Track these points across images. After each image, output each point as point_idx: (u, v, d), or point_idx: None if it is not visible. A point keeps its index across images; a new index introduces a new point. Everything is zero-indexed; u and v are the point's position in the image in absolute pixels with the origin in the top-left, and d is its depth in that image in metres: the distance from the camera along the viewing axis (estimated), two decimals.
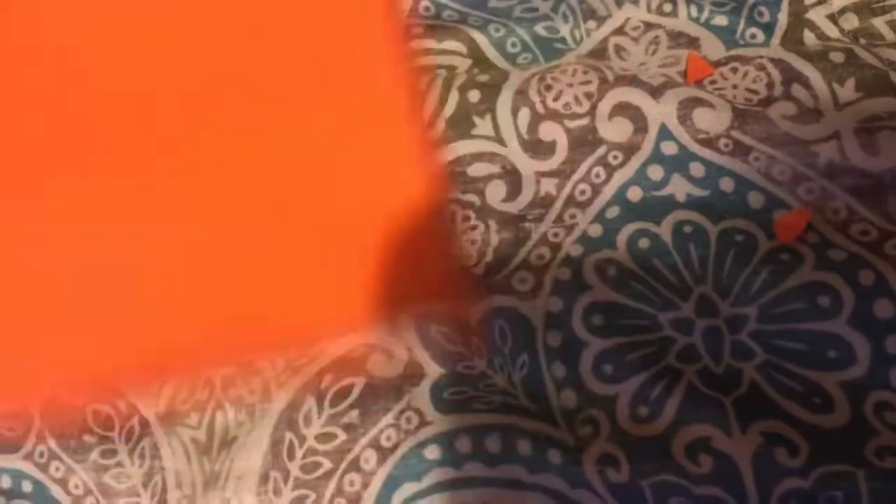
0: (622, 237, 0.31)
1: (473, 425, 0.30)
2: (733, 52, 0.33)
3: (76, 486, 0.32)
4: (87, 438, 0.32)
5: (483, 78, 0.35)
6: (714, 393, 0.28)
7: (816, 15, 0.33)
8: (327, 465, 0.30)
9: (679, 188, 0.31)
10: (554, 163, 0.33)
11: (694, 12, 0.35)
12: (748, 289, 0.29)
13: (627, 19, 0.35)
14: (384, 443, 0.30)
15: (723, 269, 0.30)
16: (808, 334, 0.28)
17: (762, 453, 0.27)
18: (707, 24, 0.34)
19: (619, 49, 0.34)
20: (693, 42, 0.34)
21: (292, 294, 0.31)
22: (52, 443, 0.33)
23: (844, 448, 0.26)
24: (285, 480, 0.30)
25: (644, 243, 0.31)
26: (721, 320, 0.29)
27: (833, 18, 0.33)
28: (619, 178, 0.31)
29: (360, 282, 0.31)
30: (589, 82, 0.33)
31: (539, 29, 0.36)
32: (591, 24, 0.36)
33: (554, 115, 0.33)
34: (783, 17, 0.34)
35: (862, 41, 0.32)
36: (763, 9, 0.34)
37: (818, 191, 0.30)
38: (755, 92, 0.32)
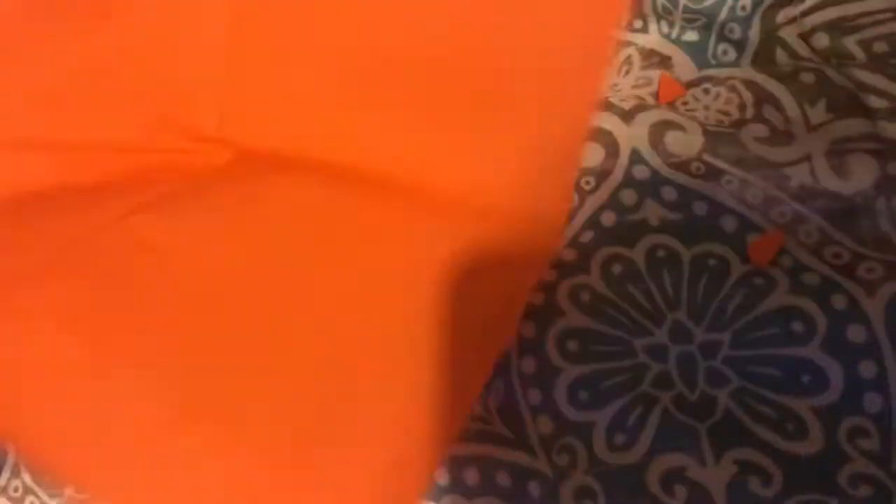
0: (595, 262, 0.31)
1: (451, 456, 0.30)
2: (705, 73, 0.33)
3: None
4: None
5: None
6: (689, 420, 0.28)
7: (788, 33, 0.33)
8: None
9: (652, 212, 0.31)
10: None
11: (665, 28, 0.35)
12: (722, 314, 0.29)
13: None
14: None
15: (696, 295, 0.30)
16: (781, 360, 0.28)
17: (736, 483, 0.27)
18: (678, 41, 0.34)
19: None
20: (665, 61, 0.34)
21: None
22: None
23: (818, 476, 0.26)
24: None
25: (617, 268, 0.31)
26: (695, 346, 0.29)
27: (804, 37, 0.33)
28: (592, 203, 0.31)
29: None
30: None
31: None
32: None
33: None
34: (754, 35, 0.34)
35: (833, 60, 0.32)
36: (734, 25, 0.34)
37: (791, 214, 0.30)
38: (727, 114, 0.32)
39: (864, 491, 0.26)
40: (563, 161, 0.32)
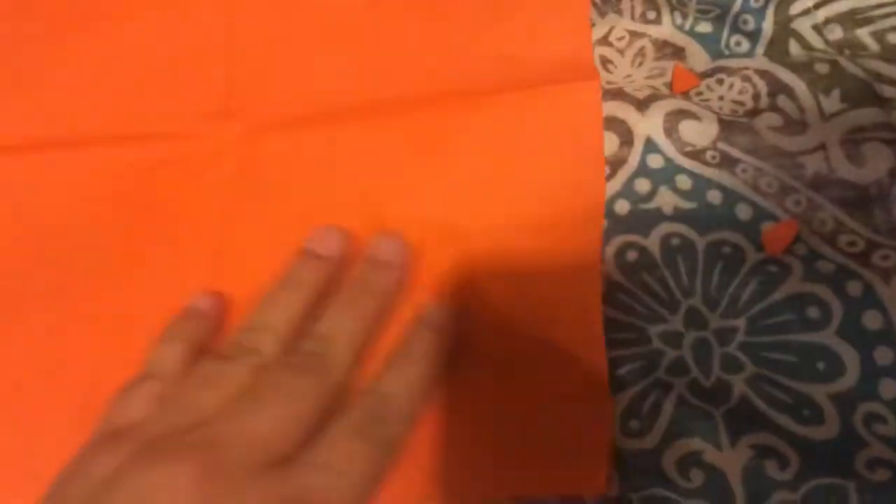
0: (610, 250, 0.31)
1: None
2: (719, 63, 0.33)
3: None
4: None
5: None
6: (704, 405, 0.28)
7: (801, 25, 0.33)
8: None
9: (666, 201, 0.31)
10: None
11: (678, 19, 0.35)
12: (737, 301, 0.29)
13: (612, 28, 0.35)
14: None
15: (711, 282, 0.30)
16: (797, 346, 0.28)
17: (752, 466, 0.27)
18: (691, 32, 0.35)
19: (605, 61, 0.34)
20: (678, 52, 0.34)
21: None
22: None
23: (835, 461, 0.26)
24: None
25: (632, 256, 0.31)
26: (710, 332, 0.29)
27: (818, 29, 0.33)
28: (607, 191, 0.31)
29: None
30: None
31: None
32: None
33: None
34: (768, 26, 0.34)
35: (846, 52, 0.32)
36: (748, 17, 0.34)
37: (805, 202, 0.30)
38: (741, 103, 0.32)
39: (881, 475, 0.26)
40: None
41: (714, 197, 0.31)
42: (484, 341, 0.31)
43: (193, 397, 0.25)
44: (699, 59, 0.34)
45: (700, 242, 0.30)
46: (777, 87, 0.32)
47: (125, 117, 0.38)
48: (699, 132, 0.31)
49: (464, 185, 0.33)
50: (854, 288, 0.28)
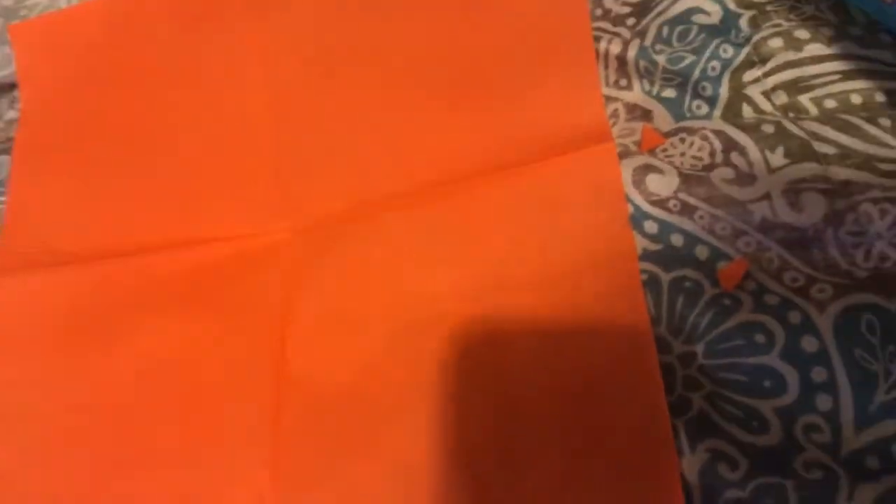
0: None
1: None
2: (681, 125, 0.38)
3: None
4: None
5: None
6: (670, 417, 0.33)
7: (752, 91, 0.38)
8: None
9: (637, 243, 0.36)
10: None
11: (647, 86, 0.40)
12: (696, 329, 0.34)
13: None
14: None
15: (674, 313, 0.34)
16: (747, 367, 0.32)
17: (707, 468, 0.31)
18: (658, 97, 0.40)
19: None
20: (647, 114, 0.39)
21: None
22: None
23: (777, 463, 0.31)
24: None
25: None
26: (674, 356, 0.34)
27: (766, 95, 0.38)
28: None
29: None
30: None
31: None
32: None
33: None
34: (724, 92, 0.39)
35: (790, 115, 0.37)
36: (706, 84, 0.39)
37: (755, 244, 0.34)
38: (699, 159, 0.37)
39: (815, 474, 0.30)
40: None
41: (677, 240, 0.35)
42: (529, 396, 0.34)
43: None
44: (664, 120, 0.39)
45: (665, 278, 0.35)
46: (730, 145, 0.37)
47: (185, 224, 0.42)
48: (663, 184, 0.36)
49: (503, 251, 0.37)
50: (794, 317, 0.33)
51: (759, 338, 0.33)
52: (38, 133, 0.47)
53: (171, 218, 0.42)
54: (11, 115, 0.51)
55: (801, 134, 0.36)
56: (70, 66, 0.48)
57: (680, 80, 0.39)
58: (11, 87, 0.52)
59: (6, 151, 0.50)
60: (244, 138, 0.43)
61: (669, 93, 0.39)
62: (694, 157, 0.37)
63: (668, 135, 0.38)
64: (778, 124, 0.36)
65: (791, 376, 0.32)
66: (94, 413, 0.38)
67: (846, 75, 0.37)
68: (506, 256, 0.37)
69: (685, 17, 0.41)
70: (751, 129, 0.37)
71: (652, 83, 0.40)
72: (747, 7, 0.40)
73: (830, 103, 0.37)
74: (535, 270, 0.36)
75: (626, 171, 0.37)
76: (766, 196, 0.35)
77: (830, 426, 0.31)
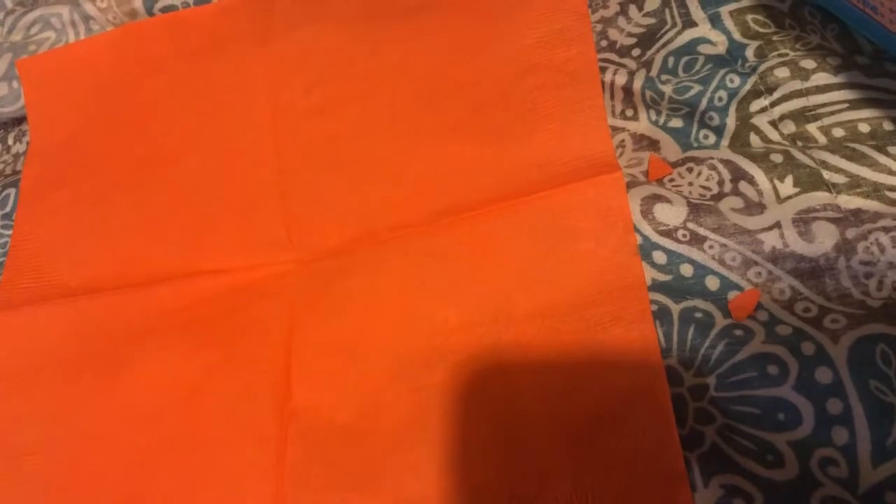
0: None
1: None
2: (689, 154, 0.38)
3: None
4: None
5: None
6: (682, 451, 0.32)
7: (759, 121, 0.38)
8: None
9: (645, 274, 0.35)
10: None
11: (653, 116, 0.40)
12: (707, 361, 0.33)
13: None
14: None
15: (685, 344, 0.34)
16: (760, 400, 0.32)
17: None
18: (665, 127, 0.40)
19: None
20: (654, 144, 0.39)
21: None
22: None
23: (793, 499, 0.30)
24: None
25: None
26: (685, 389, 0.33)
27: (774, 124, 0.38)
28: None
29: None
30: None
31: None
32: None
33: None
34: (731, 122, 0.39)
35: (798, 143, 0.37)
36: (713, 114, 0.39)
37: (765, 274, 0.34)
38: (708, 188, 0.37)
39: None
40: None
41: (686, 270, 0.35)
42: (537, 430, 0.34)
43: None
44: (672, 150, 0.39)
45: (675, 309, 0.35)
46: (739, 175, 0.36)
47: (189, 256, 0.42)
48: (671, 214, 0.36)
49: (510, 282, 0.36)
50: (808, 348, 0.32)
51: (772, 369, 0.32)
52: (45, 166, 0.48)
53: (176, 250, 0.42)
54: (18, 148, 0.52)
55: (811, 163, 0.36)
56: (77, 101, 0.49)
57: (687, 109, 0.39)
58: (20, 120, 0.53)
59: (13, 185, 0.50)
60: (249, 169, 0.43)
61: (676, 123, 0.39)
62: (702, 187, 0.36)
63: (675, 164, 0.38)
64: (786, 153, 0.36)
65: (805, 409, 0.31)
66: (98, 447, 0.38)
67: (853, 104, 0.37)
68: (513, 287, 0.36)
69: (691, 48, 0.41)
70: (759, 158, 0.36)
71: (658, 113, 0.39)
72: (753, 37, 0.40)
73: (839, 132, 0.37)
74: (543, 302, 0.35)
75: (634, 201, 0.36)
76: (777, 225, 0.34)
77: (847, 460, 0.30)
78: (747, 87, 0.39)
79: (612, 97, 0.41)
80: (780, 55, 0.39)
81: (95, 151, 0.47)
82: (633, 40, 0.43)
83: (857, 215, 0.34)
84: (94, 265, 0.43)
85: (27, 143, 0.51)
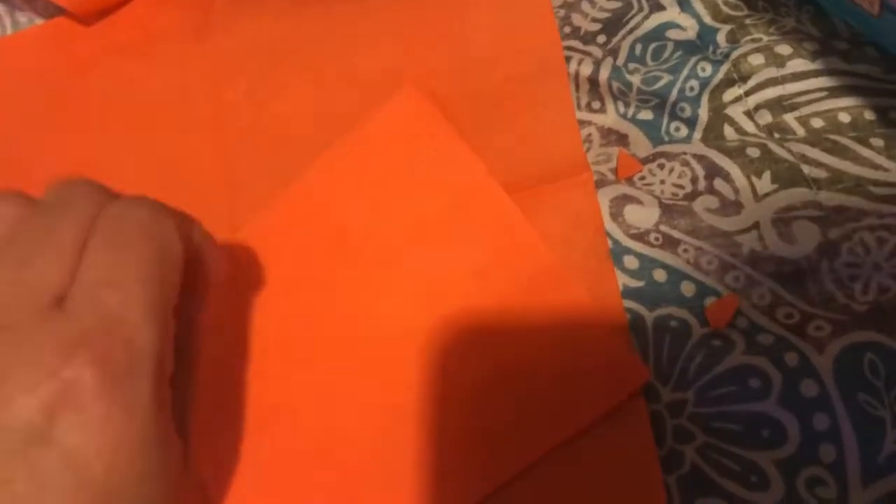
0: None
1: None
2: (660, 149, 0.36)
3: None
4: None
5: None
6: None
7: (734, 111, 0.36)
8: None
9: (617, 280, 0.33)
10: None
11: (621, 108, 0.37)
12: (685, 374, 0.31)
13: None
14: None
15: (661, 356, 0.31)
16: (742, 415, 0.30)
17: None
18: (634, 120, 0.37)
19: None
20: (622, 139, 0.37)
21: None
22: None
23: None
24: None
25: None
26: (662, 405, 0.31)
27: (749, 115, 0.36)
28: None
29: None
30: None
31: None
32: None
33: None
34: (704, 113, 0.36)
35: (776, 135, 0.35)
36: (685, 104, 0.37)
37: (744, 278, 0.32)
38: (681, 187, 0.34)
39: None
40: None
41: (659, 275, 0.33)
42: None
43: None
44: (642, 144, 0.36)
45: (649, 318, 0.32)
46: (713, 171, 0.34)
47: None
48: (643, 216, 0.34)
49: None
50: (791, 358, 0.30)
51: (755, 382, 0.30)
52: None
53: None
54: None
55: (789, 157, 0.33)
56: (4, 98, 0.45)
57: (656, 101, 0.37)
58: None
59: None
60: (194, 172, 0.40)
61: (646, 115, 0.37)
62: (675, 185, 0.34)
63: (645, 161, 0.35)
64: (763, 147, 0.34)
65: (791, 425, 0.29)
66: None
67: (832, 92, 0.35)
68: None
69: (659, 33, 0.39)
70: (735, 152, 0.34)
71: (627, 105, 0.37)
72: (725, 20, 0.38)
73: (818, 122, 0.34)
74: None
75: (603, 201, 0.34)
76: (755, 226, 0.32)
77: (836, 479, 0.28)
78: (720, 75, 0.37)
79: (577, 88, 0.38)
80: (753, 40, 0.37)
81: (26, 148, 0.43)
82: (597, 26, 0.40)
83: (839, 213, 0.32)
84: None
85: None
